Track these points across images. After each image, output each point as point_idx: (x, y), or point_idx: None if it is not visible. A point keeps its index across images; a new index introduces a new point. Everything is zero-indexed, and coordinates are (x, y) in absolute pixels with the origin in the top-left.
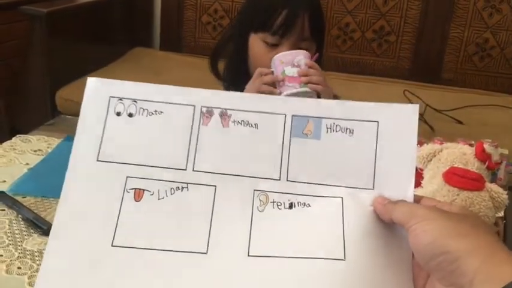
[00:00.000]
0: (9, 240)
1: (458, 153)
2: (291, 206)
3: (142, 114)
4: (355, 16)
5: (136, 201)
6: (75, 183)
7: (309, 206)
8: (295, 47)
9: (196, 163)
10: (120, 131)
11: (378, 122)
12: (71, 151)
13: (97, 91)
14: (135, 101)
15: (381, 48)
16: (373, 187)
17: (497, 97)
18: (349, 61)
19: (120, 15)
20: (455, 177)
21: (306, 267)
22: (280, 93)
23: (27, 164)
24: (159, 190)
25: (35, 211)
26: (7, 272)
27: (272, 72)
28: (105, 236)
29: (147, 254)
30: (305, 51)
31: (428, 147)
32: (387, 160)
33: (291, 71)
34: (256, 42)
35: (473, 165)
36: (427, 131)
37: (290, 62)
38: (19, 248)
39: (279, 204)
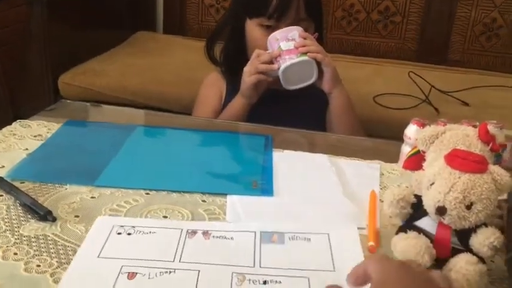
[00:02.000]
0: (6, 226)
1: (461, 135)
2: (265, 282)
3: (138, 233)
4: None
5: (129, 279)
6: (78, 271)
7: (280, 282)
8: None
9: (183, 257)
10: (119, 241)
11: (328, 234)
12: (70, 136)
13: (103, 222)
14: (133, 227)
15: (387, 29)
16: (334, 269)
17: (505, 78)
18: (353, 43)
19: None
20: (457, 160)
21: None
22: (278, 68)
23: (27, 149)
24: (149, 273)
25: (33, 196)
26: (3, 258)
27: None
28: None
29: None
30: (299, 26)
31: (431, 129)
32: (341, 254)
33: (287, 45)
34: (252, 28)
35: (477, 147)
36: (432, 113)
37: (285, 37)
38: (16, 233)
39: (254, 281)
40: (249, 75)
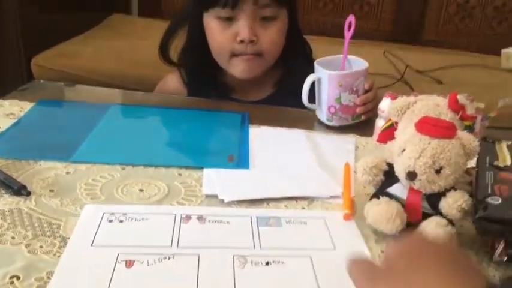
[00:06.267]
0: None
1: (432, 105)
2: (267, 263)
3: (130, 220)
4: None
5: (128, 268)
6: (72, 261)
7: (283, 263)
8: (254, 16)
9: (180, 243)
10: (111, 229)
11: (324, 218)
12: (44, 114)
13: (92, 210)
14: (124, 214)
15: (362, 10)
16: (334, 248)
17: (478, 57)
18: (330, 24)
19: None
20: (427, 126)
21: None
22: (327, 121)
23: None
24: (147, 260)
25: (7, 172)
26: None
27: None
28: None
29: None
30: (365, 64)
31: (402, 100)
32: (339, 233)
33: (348, 99)
34: (210, 22)
35: (446, 116)
36: (407, 91)
37: (349, 85)
38: None
39: (256, 263)
40: None
